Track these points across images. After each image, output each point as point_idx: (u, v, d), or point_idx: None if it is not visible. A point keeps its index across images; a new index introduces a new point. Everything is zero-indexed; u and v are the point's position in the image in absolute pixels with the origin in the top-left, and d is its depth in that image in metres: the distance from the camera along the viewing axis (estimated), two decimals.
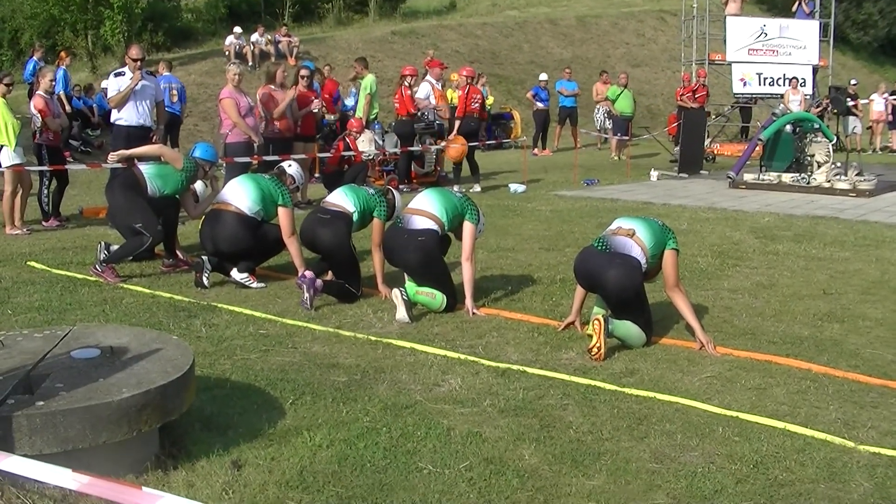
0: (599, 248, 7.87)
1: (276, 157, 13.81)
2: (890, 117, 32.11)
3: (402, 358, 7.29)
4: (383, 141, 19.03)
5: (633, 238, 7.84)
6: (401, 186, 16.98)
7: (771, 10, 45.49)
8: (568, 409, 6.20)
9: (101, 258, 10.08)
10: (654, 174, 20.52)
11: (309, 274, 8.97)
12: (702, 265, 11.06)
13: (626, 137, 26.21)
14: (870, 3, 54.41)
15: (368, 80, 18.98)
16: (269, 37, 30.88)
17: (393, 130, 19.41)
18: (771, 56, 28.24)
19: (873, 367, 7.34)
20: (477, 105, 18.37)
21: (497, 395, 6.45)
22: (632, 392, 6.52)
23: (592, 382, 6.71)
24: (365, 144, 16.84)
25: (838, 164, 20.07)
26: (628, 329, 7.61)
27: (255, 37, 30.47)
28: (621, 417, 6.06)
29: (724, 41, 28.13)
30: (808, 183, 19.11)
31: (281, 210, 9.85)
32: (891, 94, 32.61)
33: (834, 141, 20.77)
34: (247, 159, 13.92)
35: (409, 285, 8.73)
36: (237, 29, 30.73)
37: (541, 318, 8.53)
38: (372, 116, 19.09)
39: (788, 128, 20.08)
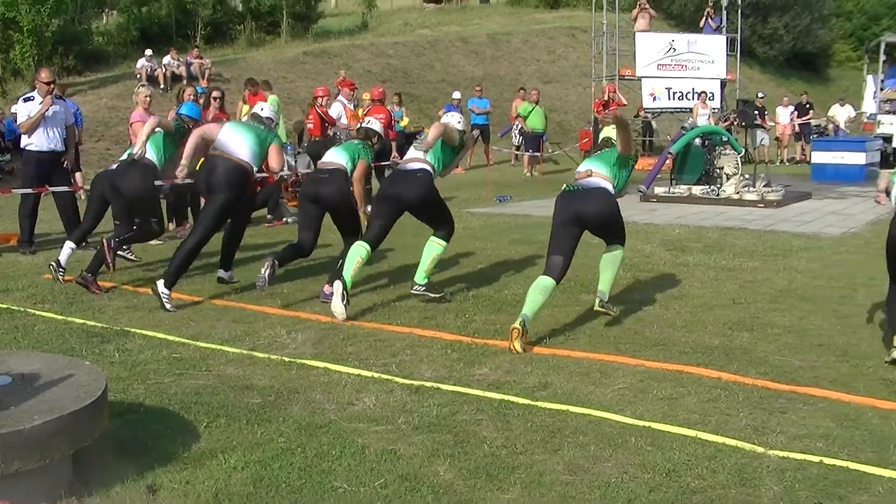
0: (573, 189, 8.99)
1: (188, 181, 13.76)
2: (797, 129, 32.70)
3: (316, 378, 7.28)
4: (296, 162, 18.96)
5: (593, 176, 8.99)
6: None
7: (679, 26, 46.07)
8: (482, 424, 6.23)
9: (112, 244, 10.42)
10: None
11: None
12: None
13: (538, 153, 26.36)
14: (775, 19, 55.39)
15: (271, 100, 18.95)
16: (181, 59, 30.71)
17: (305, 151, 19.35)
18: (680, 71, 28.60)
19: (782, 373, 7.47)
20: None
21: (411, 412, 6.46)
22: (545, 405, 6.57)
23: (506, 397, 6.75)
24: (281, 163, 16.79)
25: (747, 176, 20.38)
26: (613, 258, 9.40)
27: (167, 59, 30.28)
28: (535, 431, 6.10)
29: (634, 57, 28.42)
30: (718, 195, 19.39)
31: (272, 146, 10.62)
32: (795, 109, 33.20)
33: (742, 153, 21.10)
34: (159, 182, 13.83)
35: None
36: (148, 52, 30.53)
37: (454, 335, 8.57)
38: (284, 138, 19.03)
39: (698, 141, 20.37)
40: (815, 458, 5.67)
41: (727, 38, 30.05)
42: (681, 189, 19.90)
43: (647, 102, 28.62)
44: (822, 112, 35.31)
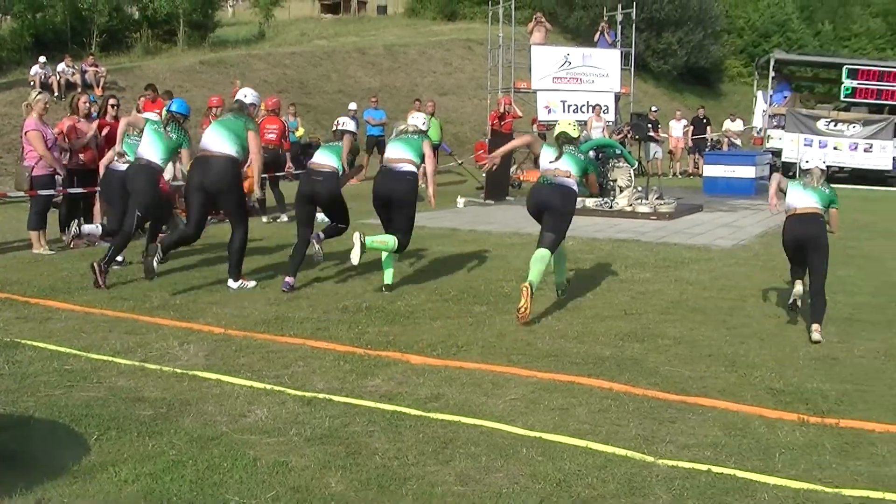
0: (545, 182, 10.56)
1: (80, 190, 13.64)
2: (690, 143, 33.15)
3: (209, 390, 7.23)
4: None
5: (559, 174, 10.46)
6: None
7: (575, 40, 46.39)
8: (374, 435, 6.23)
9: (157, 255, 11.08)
10: (460, 201, 20.74)
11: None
12: (506, 290, 11.24)
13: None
14: (669, 34, 55.97)
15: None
16: (76, 67, 30.23)
17: None
18: (575, 84, 28.77)
19: (671, 383, 7.58)
20: (274, 136, 18.30)
21: (303, 423, 6.44)
22: (437, 416, 6.59)
23: (398, 408, 6.76)
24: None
25: (640, 189, 20.61)
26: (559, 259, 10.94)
27: (61, 67, 29.74)
28: (427, 442, 6.12)
29: (530, 70, 28.56)
30: (611, 207, 19.59)
31: (250, 133, 11.51)
32: (690, 123, 33.65)
33: (636, 166, 21.31)
34: (52, 192, 13.70)
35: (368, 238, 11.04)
36: (42, 58, 29.99)
37: (347, 346, 8.55)
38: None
39: (591, 154, 20.52)
40: (704, 467, 5.77)
41: (622, 53, 30.30)
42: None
43: (542, 115, 28.73)
44: (715, 126, 35.82)
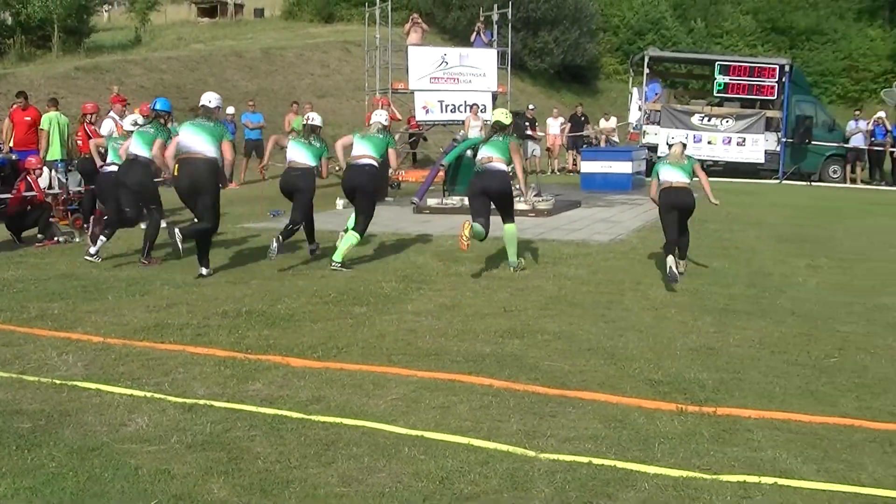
0: (480, 170, 12.87)
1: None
2: (566, 140, 33.46)
3: (88, 400, 7.11)
4: (66, 179, 18.53)
5: (493, 160, 12.76)
6: (84, 225, 16.54)
7: (452, 40, 46.57)
8: (256, 440, 6.20)
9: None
10: (339, 203, 20.65)
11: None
12: (386, 290, 11.25)
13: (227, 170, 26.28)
14: (545, 33, 56.38)
15: (47, 117, 18.55)
16: None
17: (76, 169, 18.91)
18: (452, 84, 28.89)
19: (552, 378, 7.66)
20: None
21: (184, 430, 6.39)
22: (318, 419, 6.58)
23: (279, 412, 6.73)
24: (44, 182, 16.42)
25: (517, 187, 20.72)
26: (510, 233, 12.91)
27: None
28: (309, 444, 6.11)
29: (407, 70, 28.60)
30: None
31: (225, 144, 12.62)
32: (568, 120, 33.95)
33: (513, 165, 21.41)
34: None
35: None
36: None
37: (227, 351, 8.48)
38: (56, 156, 18.65)
39: (469, 153, 20.59)
40: (585, 459, 5.84)
41: (498, 52, 30.47)
42: (454, 200, 20.09)
43: (420, 115, 28.82)
44: (593, 123, 36.18)
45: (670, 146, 13.24)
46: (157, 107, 14.20)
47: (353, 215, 13.54)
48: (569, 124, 34.22)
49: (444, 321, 9.71)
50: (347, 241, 13.04)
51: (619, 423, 6.56)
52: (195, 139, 12.38)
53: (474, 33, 31.02)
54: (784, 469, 5.79)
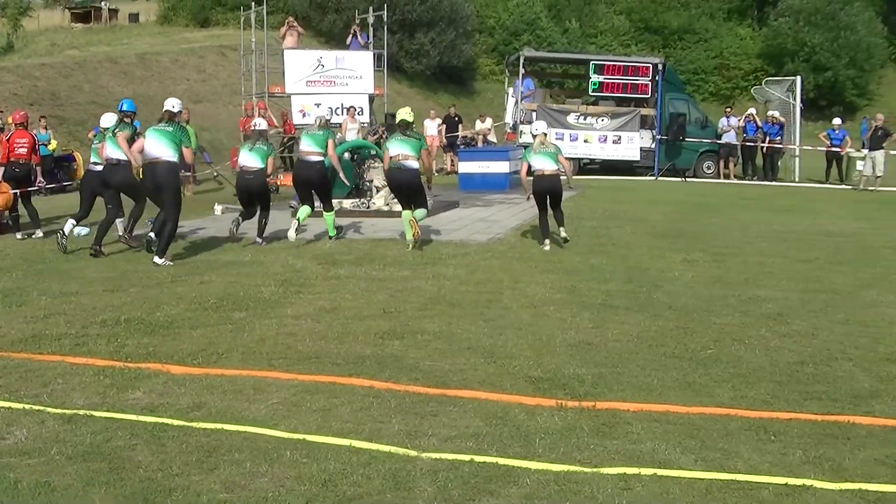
0: (398, 167, 14.85)
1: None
2: (444, 141, 33.58)
3: None
4: None
5: (408, 158, 14.76)
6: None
7: (329, 43, 46.52)
8: (137, 448, 6.14)
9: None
10: (218, 208, 20.51)
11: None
12: (265, 294, 11.17)
13: (189, 173, 26.06)
14: (421, 34, 56.59)
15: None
16: None
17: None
18: (329, 87, 28.78)
19: (432, 377, 7.71)
20: (24, 150, 17.73)
21: (64, 442, 6.29)
22: (200, 426, 6.53)
23: (160, 420, 6.67)
24: None
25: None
26: (421, 214, 14.96)
27: None
28: (190, 452, 6.07)
29: (283, 74, 28.48)
30: (368, 207, 19.69)
31: (185, 149, 14.52)
32: (444, 121, 34.06)
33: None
34: None
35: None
36: None
37: (106, 361, 8.36)
38: None
39: (347, 155, 20.59)
40: (467, 457, 5.89)
41: (374, 54, 30.42)
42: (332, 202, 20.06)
43: (297, 118, 28.64)
44: (469, 124, 36.34)
45: (534, 136, 15.26)
46: (125, 108, 16.35)
47: (303, 207, 15.95)
48: (444, 125, 34.33)
49: (324, 324, 9.69)
50: (328, 220, 16.06)
51: (499, 420, 6.62)
52: (158, 146, 14.03)
53: (350, 36, 30.93)
54: (663, 460, 5.90)
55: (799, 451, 6.09)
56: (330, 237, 15.89)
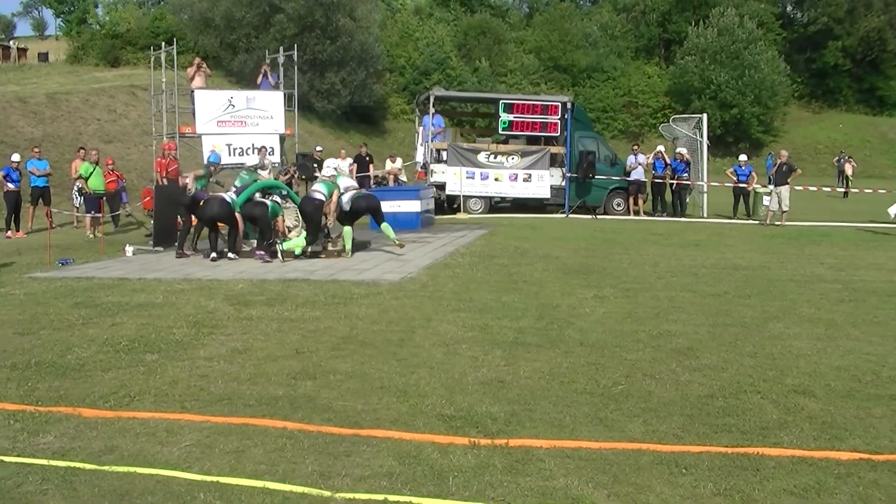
0: (315, 198, 18.80)
1: None
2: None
3: None
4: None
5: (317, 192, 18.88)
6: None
7: (240, 83, 46.48)
8: (49, 493, 6.11)
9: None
10: (129, 249, 20.34)
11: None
12: (177, 336, 11.08)
13: (100, 214, 25.87)
14: (332, 74, 56.84)
15: None
16: None
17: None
18: (240, 127, 28.74)
19: (345, 418, 7.73)
20: None
21: None
22: (112, 469, 6.50)
23: (72, 464, 6.62)
24: None
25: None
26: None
27: None
28: (103, 496, 6.05)
29: (194, 114, 28.39)
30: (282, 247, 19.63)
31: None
32: (354, 161, 34.09)
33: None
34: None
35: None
36: None
37: (17, 405, 8.26)
38: None
39: (258, 195, 20.56)
40: (380, 497, 5.94)
41: (285, 94, 30.44)
42: (244, 244, 20.01)
43: (211, 159, 28.62)
44: (380, 164, 36.40)
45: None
46: (211, 159, 22.06)
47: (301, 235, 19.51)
48: (355, 164, 34.31)
49: (237, 365, 9.66)
50: (297, 244, 19.19)
51: (413, 459, 6.67)
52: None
53: (260, 75, 30.95)
54: (576, 496, 5.99)
55: (710, 484, 6.21)
56: (350, 253, 19.41)
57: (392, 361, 9.74)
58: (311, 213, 18.91)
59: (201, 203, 19.45)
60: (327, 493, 6.00)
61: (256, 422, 7.59)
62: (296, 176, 26.08)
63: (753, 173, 32.05)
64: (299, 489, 6.07)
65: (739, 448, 6.92)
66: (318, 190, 19.11)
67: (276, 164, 27.80)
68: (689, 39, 76.53)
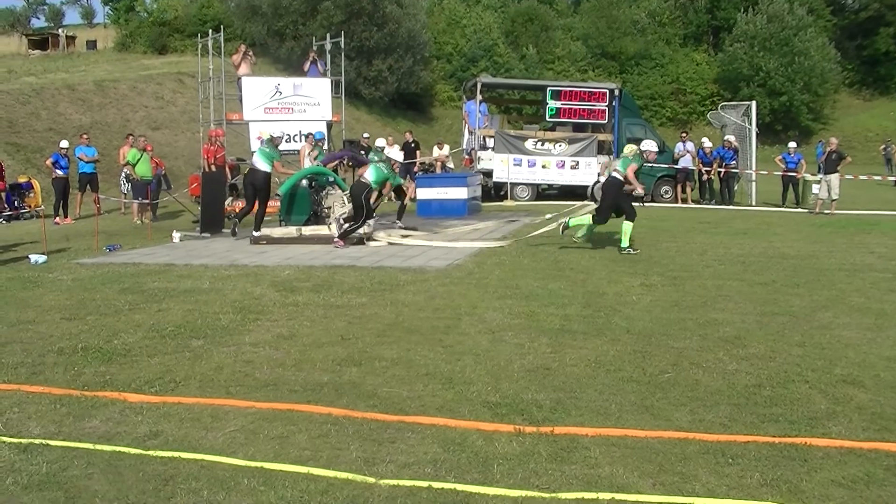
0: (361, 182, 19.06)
1: None
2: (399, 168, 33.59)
3: None
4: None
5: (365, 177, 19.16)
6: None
7: (287, 70, 46.53)
8: (93, 478, 6.11)
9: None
10: (176, 236, 20.42)
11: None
12: (224, 322, 11.11)
13: (147, 201, 25.99)
14: (379, 61, 56.87)
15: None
16: None
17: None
18: (287, 114, 28.81)
19: (390, 404, 7.69)
20: None
21: (20, 471, 6.25)
22: (157, 454, 6.50)
23: (117, 448, 6.63)
24: None
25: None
26: None
27: None
28: (147, 480, 6.04)
29: (241, 101, 28.45)
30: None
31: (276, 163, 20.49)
32: (402, 148, 34.07)
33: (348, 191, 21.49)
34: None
35: None
36: None
37: (63, 389, 8.30)
38: None
39: (304, 182, 20.59)
40: (425, 484, 5.88)
41: (332, 81, 30.48)
42: (290, 229, 20.02)
43: (256, 146, 28.64)
44: (427, 150, 36.40)
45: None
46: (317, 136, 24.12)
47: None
48: (402, 151, 34.32)
49: (282, 351, 9.66)
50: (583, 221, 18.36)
51: (457, 447, 6.62)
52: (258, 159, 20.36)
53: (308, 62, 30.96)
54: (621, 484, 5.92)
55: (756, 474, 6.12)
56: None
57: (438, 348, 9.70)
58: (355, 196, 18.78)
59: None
60: (371, 480, 5.97)
61: (301, 408, 7.57)
62: (344, 162, 26.06)
63: (803, 161, 31.69)
64: (343, 475, 6.04)
65: (787, 438, 6.82)
66: (366, 175, 19.03)
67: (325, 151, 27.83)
68: (737, 26, 75.90)
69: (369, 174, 18.97)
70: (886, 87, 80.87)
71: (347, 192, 19.67)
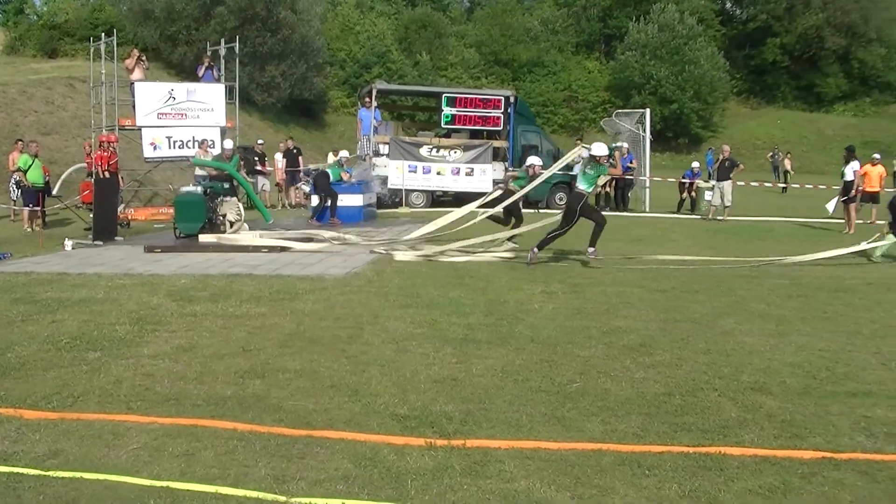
0: None
1: None
2: (285, 175, 33.43)
3: None
4: None
5: None
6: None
7: (180, 75, 46.13)
8: None
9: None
10: (68, 243, 19.99)
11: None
12: (120, 333, 10.79)
13: (38, 208, 25.44)
14: (273, 67, 56.67)
15: None
16: None
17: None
18: (180, 119, 28.47)
19: (296, 418, 7.54)
20: None
21: None
22: (58, 475, 6.27)
23: (14, 469, 6.38)
24: None
25: (247, 226, 20.61)
26: None
27: None
28: (48, 503, 5.81)
29: (134, 107, 28.07)
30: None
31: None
32: (284, 155, 33.92)
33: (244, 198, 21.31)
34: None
35: None
36: None
37: None
38: None
39: (199, 189, 20.35)
40: (338, 502, 5.79)
41: (226, 87, 30.22)
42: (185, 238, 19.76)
43: (148, 152, 28.30)
44: (321, 157, 36.16)
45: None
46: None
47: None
48: (284, 160, 34.00)
49: (182, 364, 9.40)
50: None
51: (369, 462, 6.50)
52: None
53: (204, 68, 30.67)
54: (539, 499, 5.86)
55: (675, 485, 6.10)
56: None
57: (342, 359, 9.54)
58: (570, 204, 17.64)
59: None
60: (282, 499, 5.82)
61: (206, 423, 7.37)
62: (240, 168, 25.82)
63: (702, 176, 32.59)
64: (253, 494, 5.89)
65: (701, 447, 6.82)
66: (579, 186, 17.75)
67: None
68: (629, 35, 77.30)
69: (581, 184, 17.66)
70: (773, 96, 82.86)
71: (244, 198, 19.47)
